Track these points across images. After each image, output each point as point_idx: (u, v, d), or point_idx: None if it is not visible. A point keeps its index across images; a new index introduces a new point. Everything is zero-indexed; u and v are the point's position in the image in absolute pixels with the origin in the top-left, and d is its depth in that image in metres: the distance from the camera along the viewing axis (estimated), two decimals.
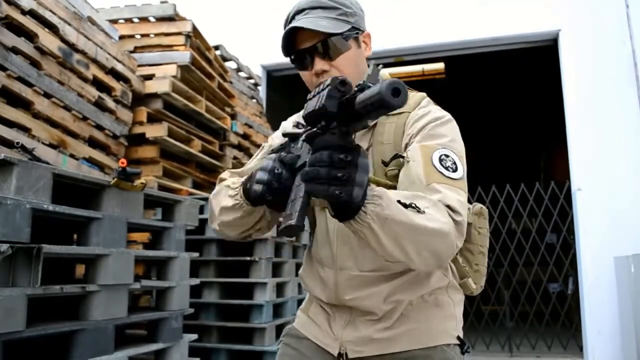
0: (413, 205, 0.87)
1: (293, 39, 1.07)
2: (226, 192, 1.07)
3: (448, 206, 0.93)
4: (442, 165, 0.97)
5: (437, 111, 1.09)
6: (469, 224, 1.13)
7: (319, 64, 1.06)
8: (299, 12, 1.07)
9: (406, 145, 1.05)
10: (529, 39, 4.96)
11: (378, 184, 0.93)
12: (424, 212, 0.87)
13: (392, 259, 0.90)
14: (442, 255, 0.92)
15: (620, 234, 4.15)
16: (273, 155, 0.94)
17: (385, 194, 0.84)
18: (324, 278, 1.15)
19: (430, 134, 1.02)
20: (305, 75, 1.11)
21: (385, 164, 1.05)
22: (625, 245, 4.00)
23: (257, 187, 0.91)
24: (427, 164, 0.96)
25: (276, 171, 0.90)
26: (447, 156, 0.99)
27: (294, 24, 1.04)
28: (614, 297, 4.10)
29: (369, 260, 1.09)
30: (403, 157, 1.02)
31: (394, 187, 1.02)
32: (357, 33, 1.10)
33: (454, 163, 0.99)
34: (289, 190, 0.83)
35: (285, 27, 1.09)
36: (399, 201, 0.86)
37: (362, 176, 0.75)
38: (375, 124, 1.09)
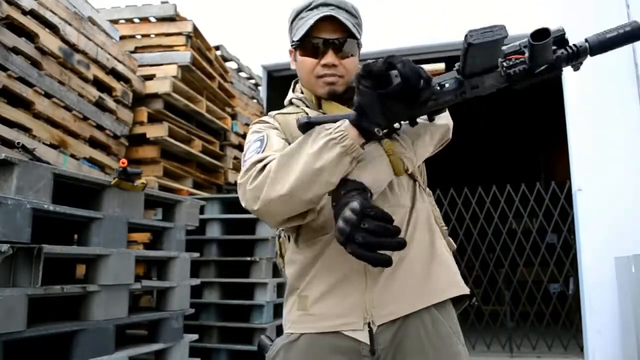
0: None
1: (312, 26, 1.13)
2: (312, 141, 0.95)
3: None
4: None
5: None
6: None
7: (331, 58, 1.13)
8: (325, 5, 1.14)
9: None
10: None
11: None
12: None
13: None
14: None
15: (621, 235, 4.14)
16: None
17: None
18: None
19: None
20: (308, 62, 1.16)
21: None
22: (626, 246, 4.00)
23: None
24: None
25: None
26: None
27: (326, 13, 1.11)
28: (615, 297, 4.09)
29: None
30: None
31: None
32: (361, 45, 1.20)
33: None
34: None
35: (304, 10, 1.16)
36: None
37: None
38: None
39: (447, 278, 1.13)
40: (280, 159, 0.98)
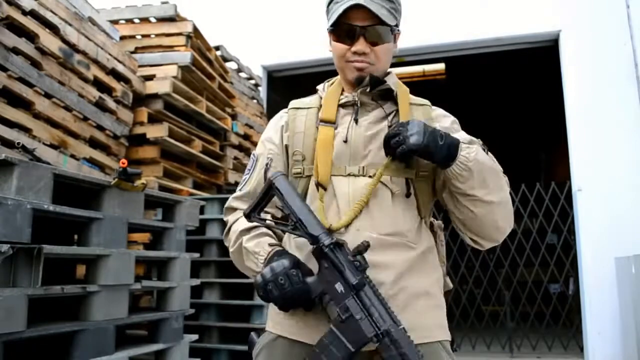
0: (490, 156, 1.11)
1: (344, 12, 1.13)
2: (247, 256, 1.14)
3: None
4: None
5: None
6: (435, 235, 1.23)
7: (362, 45, 1.14)
8: None
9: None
10: (529, 40, 4.96)
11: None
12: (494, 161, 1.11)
13: (478, 197, 1.07)
14: (509, 199, 1.13)
15: (621, 235, 4.14)
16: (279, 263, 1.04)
17: (475, 145, 1.10)
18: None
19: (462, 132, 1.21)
20: (339, 47, 1.18)
21: None
22: (626, 246, 3.99)
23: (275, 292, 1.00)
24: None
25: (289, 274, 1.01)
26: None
27: (356, 1, 1.10)
28: (615, 297, 4.09)
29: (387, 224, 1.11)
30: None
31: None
32: (398, 30, 1.20)
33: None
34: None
35: None
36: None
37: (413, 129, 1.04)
38: (397, 110, 1.20)
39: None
40: (235, 254, 1.19)
